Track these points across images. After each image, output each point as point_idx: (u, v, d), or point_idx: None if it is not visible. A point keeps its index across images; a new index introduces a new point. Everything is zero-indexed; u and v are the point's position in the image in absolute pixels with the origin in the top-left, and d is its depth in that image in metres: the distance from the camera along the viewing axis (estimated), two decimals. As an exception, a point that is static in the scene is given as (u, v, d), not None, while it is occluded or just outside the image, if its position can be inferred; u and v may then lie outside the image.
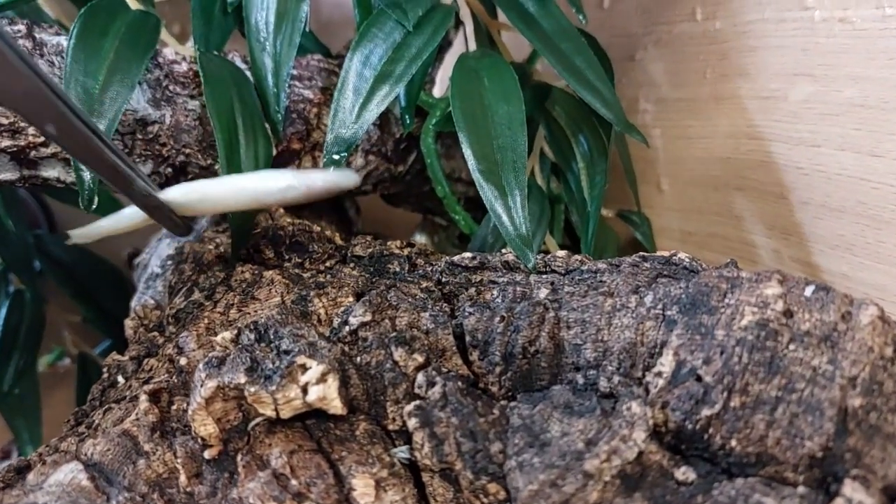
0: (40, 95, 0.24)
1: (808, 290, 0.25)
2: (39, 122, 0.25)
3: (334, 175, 0.34)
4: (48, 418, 0.57)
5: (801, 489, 0.23)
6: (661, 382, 0.26)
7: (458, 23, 0.46)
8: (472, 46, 0.44)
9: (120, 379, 0.35)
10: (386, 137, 0.45)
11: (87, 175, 0.33)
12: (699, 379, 0.25)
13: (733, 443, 0.24)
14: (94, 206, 0.34)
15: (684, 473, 0.24)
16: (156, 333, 0.36)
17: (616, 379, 0.28)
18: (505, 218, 0.34)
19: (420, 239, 0.51)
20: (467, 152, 0.35)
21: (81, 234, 0.36)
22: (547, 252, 0.42)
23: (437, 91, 0.49)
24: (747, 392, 0.24)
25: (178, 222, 0.34)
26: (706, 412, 0.24)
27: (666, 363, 0.26)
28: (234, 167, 0.36)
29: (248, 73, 0.40)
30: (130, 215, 0.35)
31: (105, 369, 0.36)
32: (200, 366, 0.28)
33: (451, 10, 0.40)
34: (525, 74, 0.44)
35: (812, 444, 0.23)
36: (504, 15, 0.40)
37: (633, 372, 0.27)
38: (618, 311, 0.28)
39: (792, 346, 0.24)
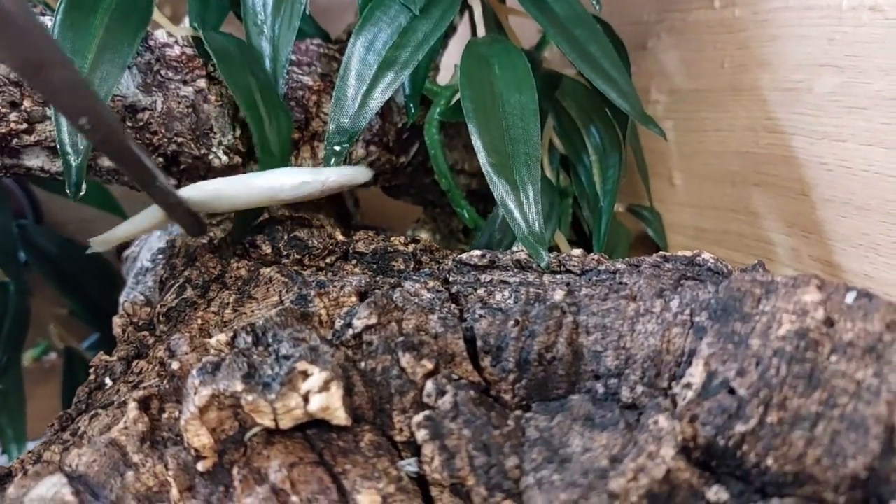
0: (77, 87, 0.24)
1: (850, 297, 0.24)
2: (74, 114, 0.25)
3: (349, 170, 0.34)
4: (33, 414, 0.56)
5: (842, 512, 0.22)
6: (690, 394, 0.24)
7: (464, 7, 0.44)
8: (481, 32, 0.42)
9: (107, 381, 0.33)
10: (388, 127, 0.42)
11: (74, 160, 0.31)
12: (732, 392, 0.23)
13: (769, 461, 0.23)
14: (80, 194, 0.32)
15: (716, 493, 0.23)
16: (146, 333, 0.34)
17: (639, 389, 0.26)
18: (517, 214, 0.32)
19: (421, 233, 0.49)
20: (477, 144, 0.33)
21: (101, 241, 0.35)
22: (555, 248, 0.41)
23: (441, 78, 0.47)
24: (785, 407, 0.23)
25: (194, 220, 0.34)
26: (740, 428, 0.23)
27: (696, 374, 0.24)
28: (264, 144, 0.35)
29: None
30: (146, 217, 0.34)
31: (92, 370, 0.34)
32: (194, 372, 0.26)
33: (460, -7, 0.37)
34: (534, 62, 0.42)
35: (855, 463, 0.22)
36: (514, -2, 0.38)
37: (657, 382, 0.26)
38: (641, 317, 0.27)
39: (833, 358, 0.23)
